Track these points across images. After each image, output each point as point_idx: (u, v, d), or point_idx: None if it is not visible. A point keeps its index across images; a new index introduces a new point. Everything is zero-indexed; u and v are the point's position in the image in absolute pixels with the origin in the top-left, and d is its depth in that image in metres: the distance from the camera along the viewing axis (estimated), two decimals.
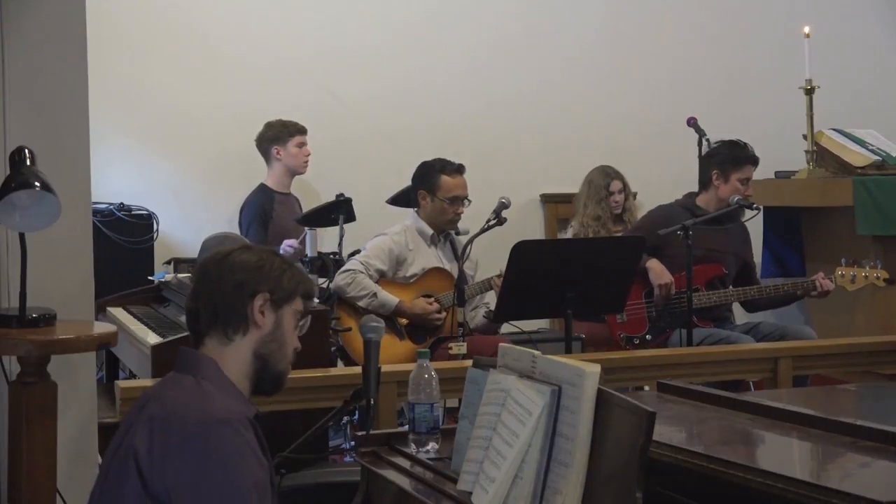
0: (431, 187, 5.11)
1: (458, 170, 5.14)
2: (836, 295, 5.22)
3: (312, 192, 6.35)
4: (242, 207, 6.09)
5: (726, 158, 5.28)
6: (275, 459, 2.54)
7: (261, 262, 2.50)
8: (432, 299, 5.00)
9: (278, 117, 6.14)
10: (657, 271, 5.17)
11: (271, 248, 2.62)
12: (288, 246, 5.60)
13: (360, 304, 4.87)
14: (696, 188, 5.44)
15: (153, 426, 2.31)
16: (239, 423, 2.32)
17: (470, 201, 5.14)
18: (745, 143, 5.35)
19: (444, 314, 4.99)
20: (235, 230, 6.00)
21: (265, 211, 6.00)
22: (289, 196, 6.16)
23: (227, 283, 2.48)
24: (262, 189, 6.09)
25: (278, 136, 6.08)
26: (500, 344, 2.54)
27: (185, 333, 4.09)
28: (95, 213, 5.16)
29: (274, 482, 2.42)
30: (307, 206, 6.01)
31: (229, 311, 2.47)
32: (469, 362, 2.69)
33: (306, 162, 6.12)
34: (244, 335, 2.47)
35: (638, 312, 5.23)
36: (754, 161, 5.32)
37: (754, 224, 5.58)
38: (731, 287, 5.33)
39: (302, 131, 6.10)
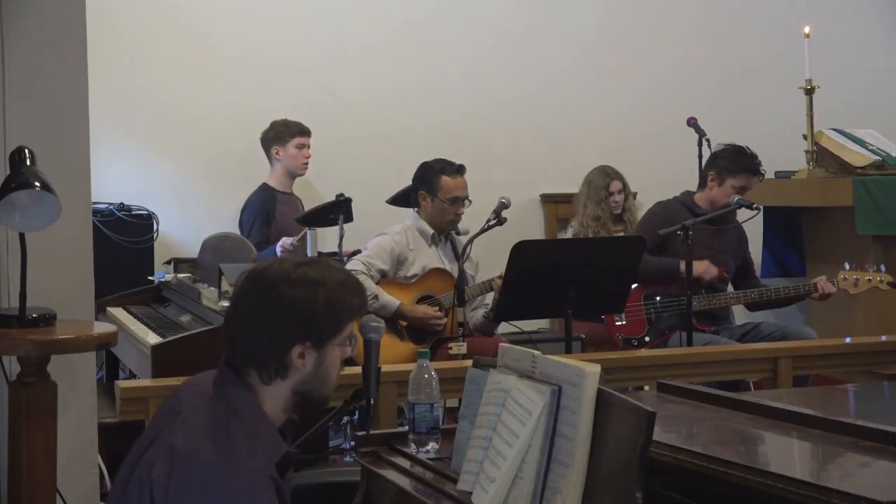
0: (432, 188, 5.10)
1: (459, 171, 5.13)
2: (837, 295, 5.22)
3: (313, 191, 6.35)
4: (244, 206, 6.09)
5: (726, 163, 5.24)
6: None
7: (304, 305, 2.35)
8: (437, 307, 4.98)
9: (278, 117, 6.14)
10: (702, 268, 5.09)
11: (324, 265, 2.41)
12: (287, 244, 5.60)
13: None
14: (695, 188, 5.43)
15: (173, 462, 2.24)
16: (260, 479, 2.23)
17: (470, 202, 5.13)
18: (752, 154, 5.25)
19: (445, 321, 4.98)
20: (235, 230, 6.00)
21: (267, 210, 5.99)
22: (291, 196, 6.15)
23: (264, 326, 2.35)
24: (265, 188, 6.08)
25: (279, 136, 6.08)
26: (500, 344, 2.54)
27: (186, 334, 4.12)
28: (95, 213, 5.16)
29: None
30: (308, 206, 6.01)
31: (266, 360, 2.36)
32: (469, 362, 2.68)
33: (305, 164, 6.11)
34: (283, 379, 2.38)
35: (637, 314, 5.22)
36: (754, 172, 5.23)
37: (754, 224, 5.57)
38: (730, 287, 5.33)
39: (304, 132, 6.09)
